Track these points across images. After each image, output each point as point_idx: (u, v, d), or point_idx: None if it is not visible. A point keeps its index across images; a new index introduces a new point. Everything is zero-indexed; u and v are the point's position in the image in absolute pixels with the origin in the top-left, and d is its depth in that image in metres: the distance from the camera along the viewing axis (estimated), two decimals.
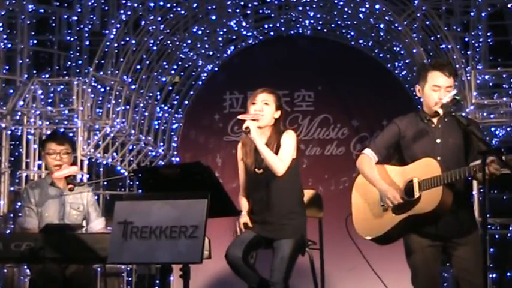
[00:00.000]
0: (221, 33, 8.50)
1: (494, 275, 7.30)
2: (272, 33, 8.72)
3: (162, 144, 8.50)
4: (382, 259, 5.58)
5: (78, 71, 8.30)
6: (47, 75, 8.09)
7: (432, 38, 7.60)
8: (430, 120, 4.71)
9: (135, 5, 7.71)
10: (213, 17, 8.21)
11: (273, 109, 4.98)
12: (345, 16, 8.20)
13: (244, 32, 8.57)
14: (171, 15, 7.98)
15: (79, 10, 8.32)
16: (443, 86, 4.63)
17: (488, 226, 6.97)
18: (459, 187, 4.58)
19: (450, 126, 4.67)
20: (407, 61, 8.05)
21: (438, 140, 4.66)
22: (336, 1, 7.97)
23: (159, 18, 7.88)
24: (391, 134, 4.80)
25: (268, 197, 4.89)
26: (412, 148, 4.71)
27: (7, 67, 7.74)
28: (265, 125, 4.97)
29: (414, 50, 7.44)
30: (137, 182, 7.34)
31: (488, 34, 7.81)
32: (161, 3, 7.88)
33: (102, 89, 7.61)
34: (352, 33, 8.48)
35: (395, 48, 8.14)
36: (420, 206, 4.57)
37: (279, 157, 4.84)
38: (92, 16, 8.35)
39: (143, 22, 7.83)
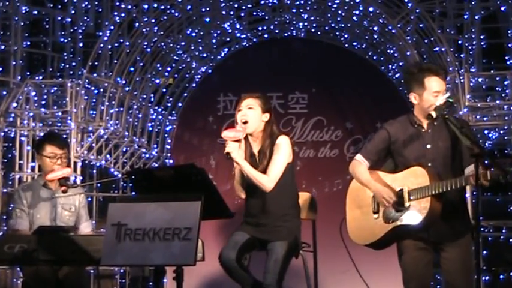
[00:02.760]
0: (215, 35, 8.50)
1: (487, 278, 7.31)
2: (266, 36, 8.71)
3: (155, 146, 8.49)
4: (375, 263, 5.58)
5: (71, 72, 8.29)
6: (41, 77, 8.08)
7: (426, 41, 7.62)
8: (420, 125, 4.72)
9: (129, 7, 7.70)
10: (207, 19, 8.21)
11: (259, 112, 4.96)
12: (338, 18, 8.21)
13: (238, 34, 8.57)
14: (165, 17, 7.97)
15: (73, 12, 8.31)
16: (441, 90, 4.65)
17: (481, 228, 7.02)
18: (452, 193, 4.58)
19: (440, 130, 4.67)
20: (401, 63, 8.06)
21: (428, 146, 4.66)
22: (329, 3, 7.97)
23: (153, 20, 7.88)
24: (380, 139, 4.81)
25: (264, 200, 4.89)
26: (403, 154, 4.72)
27: (0, 68, 7.74)
28: (254, 130, 4.96)
29: (408, 53, 7.46)
30: (131, 184, 7.34)
31: (482, 37, 7.83)
32: (155, 5, 7.88)
33: (96, 91, 7.60)
34: (346, 36, 8.48)
35: (389, 51, 8.15)
36: (409, 217, 4.59)
37: (268, 172, 4.84)
38: (85, 18, 8.34)
39: (137, 24, 7.83)
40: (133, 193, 5.94)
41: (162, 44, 8.14)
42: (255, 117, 4.94)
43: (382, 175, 4.77)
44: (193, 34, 8.30)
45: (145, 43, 7.91)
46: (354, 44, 8.49)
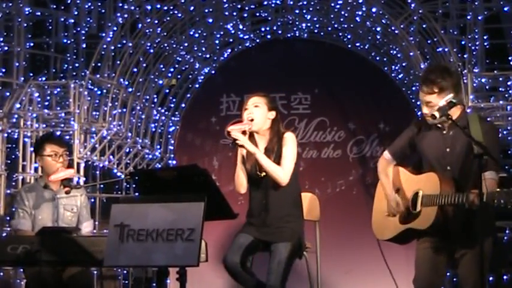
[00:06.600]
0: (218, 36, 8.50)
1: (490, 278, 7.30)
2: (269, 36, 8.72)
3: (158, 147, 8.49)
4: (376, 263, 5.56)
5: (74, 73, 8.30)
6: (44, 78, 8.08)
7: (429, 41, 7.61)
8: (441, 127, 4.69)
9: (132, 7, 7.71)
10: (210, 20, 8.21)
11: (265, 110, 4.99)
12: (341, 19, 8.20)
13: (241, 35, 8.57)
14: (168, 18, 7.98)
15: (76, 13, 8.32)
16: (424, 101, 4.61)
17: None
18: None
19: (459, 134, 4.57)
20: (403, 64, 8.06)
21: (448, 149, 4.64)
22: (332, 4, 7.97)
23: (156, 21, 7.88)
24: (406, 136, 4.84)
25: (267, 200, 4.91)
26: (425, 153, 4.72)
27: (4, 70, 7.75)
28: (260, 127, 4.98)
29: (411, 53, 7.45)
30: (134, 185, 7.34)
31: (485, 37, 7.82)
32: (158, 6, 7.89)
33: (99, 92, 7.60)
34: (348, 36, 8.48)
35: (392, 51, 8.14)
36: (418, 221, 4.62)
37: (282, 165, 4.86)
38: (88, 19, 8.35)
39: (140, 25, 7.83)
40: (137, 194, 5.93)
41: (165, 44, 8.14)
42: (261, 115, 4.97)
43: (400, 172, 4.81)
44: (196, 35, 8.30)
45: (148, 44, 7.91)
46: (357, 44, 8.48)
